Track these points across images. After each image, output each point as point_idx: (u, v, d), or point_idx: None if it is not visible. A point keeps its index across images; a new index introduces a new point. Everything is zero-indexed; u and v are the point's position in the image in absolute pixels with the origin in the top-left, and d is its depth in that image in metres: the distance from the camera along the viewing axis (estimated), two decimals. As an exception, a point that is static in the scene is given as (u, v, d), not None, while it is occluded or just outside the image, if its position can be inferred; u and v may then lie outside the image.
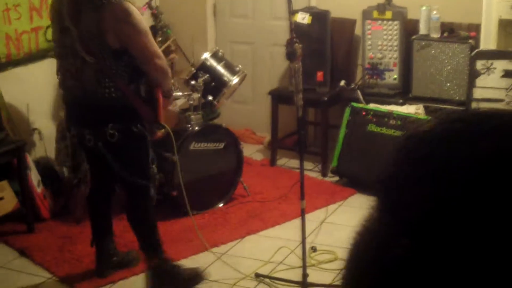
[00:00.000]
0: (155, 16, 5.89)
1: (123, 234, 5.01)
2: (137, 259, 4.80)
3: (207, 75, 5.58)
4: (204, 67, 5.63)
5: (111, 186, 4.61)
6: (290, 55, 4.17)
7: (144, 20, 4.10)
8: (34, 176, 5.41)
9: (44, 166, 5.72)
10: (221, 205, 5.67)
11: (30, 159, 5.43)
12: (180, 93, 5.51)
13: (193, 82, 5.54)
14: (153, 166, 4.46)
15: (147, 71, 4.10)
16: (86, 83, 4.06)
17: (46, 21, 5.95)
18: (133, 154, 4.24)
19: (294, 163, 6.60)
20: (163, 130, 4.42)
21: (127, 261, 4.81)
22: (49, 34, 5.96)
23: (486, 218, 0.64)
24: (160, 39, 5.99)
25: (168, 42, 5.99)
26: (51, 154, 5.96)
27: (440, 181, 0.67)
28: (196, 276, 4.61)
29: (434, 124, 0.73)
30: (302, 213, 4.34)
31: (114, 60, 4.01)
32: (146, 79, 4.16)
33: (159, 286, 4.52)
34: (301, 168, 4.32)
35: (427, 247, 0.65)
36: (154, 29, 6.02)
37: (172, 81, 5.45)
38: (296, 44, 4.13)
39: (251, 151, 6.95)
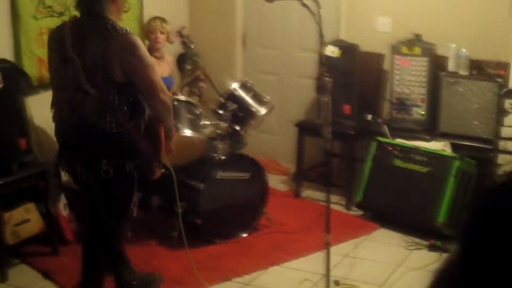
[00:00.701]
0: (185, 44, 5.91)
1: (141, 256, 5.03)
2: (159, 280, 4.81)
3: (235, 105, 5.61)
4: (232, 97, 5.65)
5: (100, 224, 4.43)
6: (320, 89, 4.18)
7: (148, 54, 4.05)
8: (59, 199, 5.44)
9: (70, 190, 5.74)
10: (244, 235, 5.67)
11: (56, 182, 5.46)
12: (207, 122, 5.53)
13: (221, 112, 5.57)
14: (134, 209, 4.45)
15: (151, 105, 4.03)
16: (86, 116, 3.94)
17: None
18: (120, 193, 4.14)
19: (318, 195, 6.59)
20: (163, 170, 4.33)
21: (148, 283, 4.79)
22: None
23: None
24: (189, 67, 6.02)
25: (198, 72, 6.01)
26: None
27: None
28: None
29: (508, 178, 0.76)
30: (327, 246, 4.33)
31: (117, 94, 3.93)
32: (145, 117, 4.08)
33: None
34: (328, 201, 4.32)
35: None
36: (184, 57, 6.05)
37: (201, 110, 5.50)
38: (326, 78, 4.14)
39: (275, 182, 6.95)
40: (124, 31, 3.92)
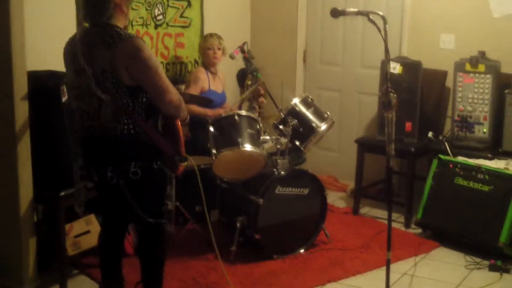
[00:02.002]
0: (247, 59, 5.96)
1: (198, 270, 5.06)
2: None
3: (296, 120, 5.60)
4: (293, 112, 5.65)
5: (125, 226, 4.56)
6: (385, 105, 4.13)
7: (154, 56, 4.02)
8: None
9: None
10: (302, 250, 5.64)
11: (117, 195, 5.52)
12: (268, 137, 5.54)
13: (281, 127, 5.57)
14: (169, 203, 4.43)
15: (160, 106, 4.04)
16: (104, 122, 4.01)
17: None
18: (151, 192, 4.19)
19: (377, 212, 6.55)
20: (185, 163, 4.34)
21: None
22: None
23: None
24: (249, 82, 6.06)
25: (255, 85, 6.04)
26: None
27: None
28: None
29: None
30: (388, 264, 4.26)
31: (130, 97, 3.97)
32: (162, 114, 4.13)
33: None
34: (389, 218, 4.26)
35: None
36: (245, 73, 6.10)
37: (261, 125, 5.51)
38: (391, 94, 4.10)
39: (333, 198, 6.93)
40: (128, 36, 3.94)
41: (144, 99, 4.02)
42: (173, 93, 4.02)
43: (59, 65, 5.18)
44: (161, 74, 3.97)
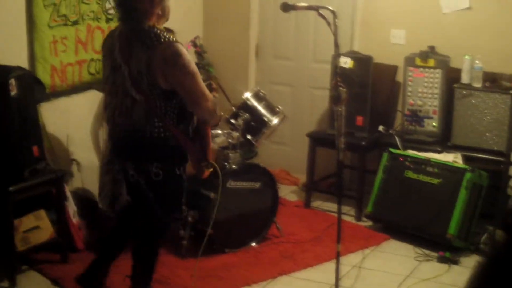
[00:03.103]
0: (199, 54, 5.93)
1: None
2: None
3: (247, 114, 5.62)
4: (245, 107, 5.66)
5: (136, 223, 4.56)
6: (335, 99, 4.17)
7: (192, 62, 4.04)
8: (70, 207, 5.46)
9: (81, 197, 5.77)
10: (253, 244, 5.66)
11: (67, 190, 5.49)
12: (219, 131, 5.55)
13: (233, 121, 5.58)
14: (184, 208, 4.51)
15: (195, 113, 4.09)
16: (135, 122, 4.06)
17: (90, 54, 6.06)
18: (170, 194, 4.26)
19: (328, 205, 6.60)
20: (211, 169, 4.41)
21: None
22: (92, 67, 6.07)
23: None
24: (202, 77, 6.05)
25: (208, 80, 6.03)
26: (89, 185, 6.02)
27: None
28: None
29: None
30: (337, 256, 4.30)
31: (164, 100, 4.00)
32: (194, 120, 4.17)
33: None
34: (339, 211, 4.30)
35: None
36: (197, 67, 6.07)
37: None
38: (341, 88, 4.13)
39: (286, 192, 6.96)
40: (167, 40, 3.94)
41: (177, 104, 4.05)
42: (210, 100, 4.05)
43: (7, 59, 5.14)
44: (198, 80, 3.99)
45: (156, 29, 4.00)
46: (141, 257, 4.49)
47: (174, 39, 4.00)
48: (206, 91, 4.06)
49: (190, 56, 4.02)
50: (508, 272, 0.76)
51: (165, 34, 4.00)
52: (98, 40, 6.05)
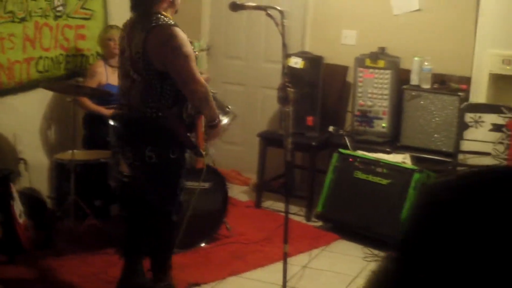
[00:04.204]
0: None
1: (99, 265, 5.00)
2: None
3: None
4: (194, 106, 5.63)
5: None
6: (282, 99, 4.17)
7: (188, 46, 4.16)
8: (16, 207, 5.37)
9: (28, 197, 5.68)
10: (203, 244, 5.64)
11: (14, 189, 5.40)
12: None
13: (182, 120, 5.55)
14: (181, 194, 4.55)
15: (186, 95, 4.20)
16: (132, 102, 4.21)
17: (38, 52, 5.97)
18: (164, 179, 4.32)
19: (279, 206, 6.59)
20: (202, 159, 4.51)
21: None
22: (41, 65, 5.98)
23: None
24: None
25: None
26: (37, 184, 5.94)
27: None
28: None
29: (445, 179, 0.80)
30: (285, 257, 4.31)
31: (159, 81, 4.14)
32: (187, 105, 4.27)
33: None
34: (286, 211, 4.31)
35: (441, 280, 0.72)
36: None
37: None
38: (288, 89, 4.14)
39: (237, 192, 6.94)
40: (164, 23, 4.12)
41: (173, 85, 4.17)
42: (200, 84, 4.15)
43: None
44: (189, 63, 4.11)
45: (159, 14, 4.17)
46: (154, 248, 4.59)
47: (173, 22, 4.16)
48: (198, 75, 4.16)
49: (186, 40, 4.16)
50: None
51: (165, 18, 4.16)
52: (47, 37, 5.97)
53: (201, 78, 4.21)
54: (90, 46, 6.62)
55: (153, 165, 4.19)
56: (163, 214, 4.47)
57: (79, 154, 5.68)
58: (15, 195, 5.39)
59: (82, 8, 6.49)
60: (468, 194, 0.76)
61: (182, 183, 4.45)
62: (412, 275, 0.73)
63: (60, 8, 6.10)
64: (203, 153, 4.51)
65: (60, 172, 5.72)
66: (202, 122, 4.39)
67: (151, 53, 4.08)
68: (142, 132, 4.21)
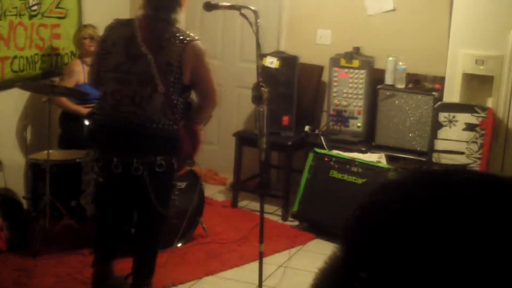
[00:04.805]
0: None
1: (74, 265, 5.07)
2: (127, 285, 4.80)
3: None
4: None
5: (125, 218, 4.76)
6: (256, 99, 4.20)
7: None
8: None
9: (3, 197, 5.65)
10: (179, 244, 5.63)
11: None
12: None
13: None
14: (175, 198, 4.80)
15: (206, 106, 4.42)
16: (150, 111, 4.22)
17: (13, 51, 5.94)
18: (167, 185, 4.46)
19: (256, 205, 6.57)
20: (190, 167, 4.80)
21: (119, 285, 4.81)
22: (16, 64, 5.95)
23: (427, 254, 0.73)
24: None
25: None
26: (12, 185, 5.91)
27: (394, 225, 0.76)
28: None
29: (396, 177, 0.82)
30: (260, 256, 4.33)
31: (178, 95, 4.25)
32: (192, 115, 4.45)
33: None
34: (261, 211, 4.33)
35: (381, 279, 0.74)
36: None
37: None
38: (262, 88, 4.16)
39: (213, 192, 6.95)
40: (196, 38, 4.27)
41: (185, 99, 4.34)
42: (218, 95, 4.47)
43: None
44: (213, 77, 4.39)
45: (177, 23, 4.33)
46: (145, 252, 4.63)
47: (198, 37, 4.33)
48: (216, 87, 4.43)
49: None
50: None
51: (188, 32, 4.33)
52: (21, 36, 5.94)
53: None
54: (65, 45, 6.60)
55: (161, 173, 4.28)
56: (162, 218, 4.56)
57: (55, 154, 5.66)
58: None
59: (57, 7, 6.46)
60: (407, 195, 0.79)
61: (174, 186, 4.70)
62: (353, 273, 0.76)
63: (35, 8, 6.07)
64: (194, 162, 4.69)
65: (36, 172, 5.69)
66: (200, 133, 4.59)
67: (187, 66, 4.20)
68: (156, 142, 4.27)
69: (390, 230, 0.76)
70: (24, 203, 5.87)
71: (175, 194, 4.79)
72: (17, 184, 5.98)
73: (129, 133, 4.28)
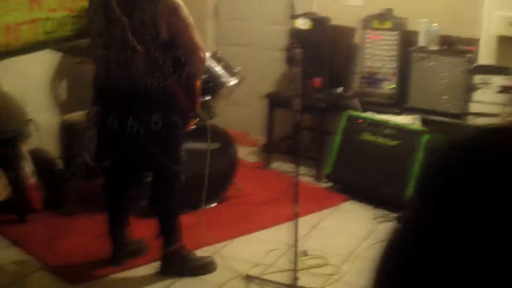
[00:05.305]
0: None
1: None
2: (146, 249, 4.88)
3: (206, 75, 5.57)
4: (203, 67, 5.62)
5: (133, 175, 4.77)
6: (290, 60, 4.19)
7: (189, 15, 4.31)
8: (27, 167, 5.40)
9: (37, 158, 5.70)
10: (213, 205, 5.67)
11: (24, 150, 5.41)
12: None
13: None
14: (184, 154, 4.69)
15: (190, 62, 4.35)
16: (135, 73, 4.23)
17: (45, 13, 5.94)
18: (170, 141, 4.45)
19: (288, 167, 6.60)
20: (197, 120, 4.76)
21: (138, 250, 4.89)
22: (48, 26, 5.96)
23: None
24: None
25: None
26: (46, 145, 5.95)
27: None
28: (207, 265, 4.75)
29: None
30: (295, 217, 4.34)
31: (162, 51, 4.23)
32: (184, 72, 4.41)
33: (170, 270, 4.65)
34: (296, 172, 4.33)
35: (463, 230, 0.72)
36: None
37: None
38: (296, 49, 4.15)
39: (245, 153, 6.95)
40: None
41: (172, 54, 4.31)
42: (204, 51, 4.39)
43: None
44: (194, 32, 4.30)
45: None
46: (162, 210, 4.68)
47: None
48: (200, 42, 4.35)
49: (187, 9, 4.31)
50: (421, 246, 0.77)
51: None
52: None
53: (202, 44, 4.38)
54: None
55: (158, 130, 4.30)
56: (172, 176, 4.57)
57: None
58: (25, 155, 5.41)
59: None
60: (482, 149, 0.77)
61: (182, 142, 4.63)
62: (433, 225, 0.74)
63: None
64: (199, 114, 4.76)
65: (69, 133, 5.74)
66: (199, 85, 4.52)
67: (161, 23, 4.17)
68: (149, 100, 4.28)
69: (474, 181, 0.73)
70: (59, 164, 5.91)
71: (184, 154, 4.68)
72: (52, 145, 6.03)
73: (121, 94, 4.34)
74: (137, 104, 4.29)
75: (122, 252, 4.71)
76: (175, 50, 4.33)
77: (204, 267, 4.73)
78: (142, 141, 4.31)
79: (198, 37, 4.34)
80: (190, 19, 4.29)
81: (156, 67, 4.23)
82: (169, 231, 4.66)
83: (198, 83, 4.51)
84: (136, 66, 4.23)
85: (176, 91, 4.35)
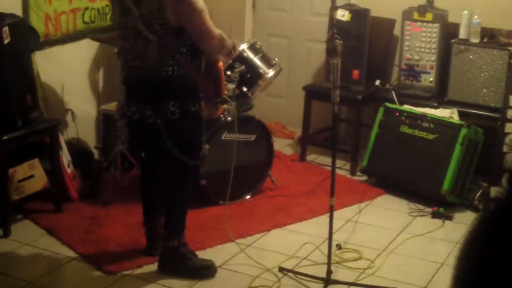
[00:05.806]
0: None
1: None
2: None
3: (243, 66, 5.57)
4: (240, 58, 5.61)
5: (164, 165, 4.61)
6: (330, 51, 4.15)
7: (201, 0, 4.17)
8: (65, 156, 5.44)
9: (75, 147, 5.75)
10: (248, 197, 5.66)
11: (62, 139, 5.46)
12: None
13: (228, 73, 5.52)
14: (206, 146, 4.64)
15: (202, 48, 4.28)
16: (149, 62, 4.20)
17: (84, 3, 5.99)
18: (188, 133, 4.37)
19: (324, 159, 6.57)
20: (225, 105, 4.62)
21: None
22: (87, 16, 6.00)
23: None
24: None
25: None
26: (84, 135, 6.00)
27: None
28: (206, 268, 4.58)
29: None
30: (331, 210, 4.32)
31: (175, 38, 4.16)
32: (205, 55, 4.35)
33: (168, 267, 4.55)
34: (333, 165, 4.30)
35: None
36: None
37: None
38: (337, 41, 4.11)
39: (281, 145, 6.94)
40: None
41: (188, 41, 4.22)
42: (215, 38, 4.23)
43: (0, 6, 5.06)
44: (205, 18, 4.16)
45: None
46: (170, 203, 4.57)
47: None
48: (213, 28, 4.23)
49: None
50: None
51: None
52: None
53: (216, 30, 4.26)
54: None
55: (176, 120, 4.22)
56: (186, 171, 4.48)
57: (126, 105, 5.70)
58: (63, 145, 5.46)
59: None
60: None
61: (204, 135, 4.56)
62: None
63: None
64: (226, 99, 4.57)
65: (107, 123, 5.77)
66: (221, 67, 4.48)
67: (168, 10, 4.09)
68: (165, 89, 4.23)
69: None
70: (96, 153, 5.96)
71: (205, 146, 4.64)
72: (89, 134, 6.07)
73: (138, 84, 4.33)
74: (154, 93, 4.25)
75: (157, 243, 4.70)
76: (189, 37, 4.23)
77: (203, 270, 4.55)
78: (159, 132, 4.24)
79: (208, 23, 4.18)
80: (200, 4, 4.12)
81: (170, 55, 4.18)
82: (171, 226, 4.55)
83: (221, 67, 4.46)
84: (150, 56, 4.19)
85: (196, 78, 4.28)
